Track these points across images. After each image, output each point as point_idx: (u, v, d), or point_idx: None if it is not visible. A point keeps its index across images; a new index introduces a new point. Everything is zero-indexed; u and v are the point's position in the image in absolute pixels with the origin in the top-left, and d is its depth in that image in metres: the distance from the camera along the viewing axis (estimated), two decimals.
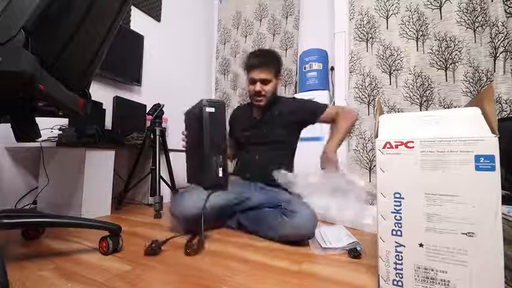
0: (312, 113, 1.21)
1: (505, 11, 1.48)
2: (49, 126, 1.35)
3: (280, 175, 0.99)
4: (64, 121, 1.36)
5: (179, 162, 1.90)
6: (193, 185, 1.05)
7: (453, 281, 0.52)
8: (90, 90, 0.83)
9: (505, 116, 1.42)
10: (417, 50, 1.77)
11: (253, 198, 1.11)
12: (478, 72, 1.57)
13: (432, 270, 0.54)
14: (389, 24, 1.87)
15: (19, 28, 0.47)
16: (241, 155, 1.30)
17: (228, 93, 2.76)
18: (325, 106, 1.21)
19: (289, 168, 1.23)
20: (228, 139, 1.24)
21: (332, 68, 2.16)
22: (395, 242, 0.58)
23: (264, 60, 1.18)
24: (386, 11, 1.88)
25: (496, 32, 1.47)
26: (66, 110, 0.75)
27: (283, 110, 1.22)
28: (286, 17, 2.47)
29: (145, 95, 2.12)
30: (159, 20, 2.32)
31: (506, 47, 1.45)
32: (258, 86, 1.16)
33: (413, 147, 0.57)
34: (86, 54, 0.75)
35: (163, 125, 1.64)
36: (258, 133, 1.23)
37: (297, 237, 0.93)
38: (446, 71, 1.68)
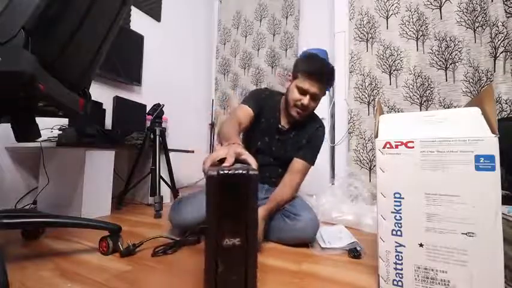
0: (306, 153, 1.07)
1: (505, 11, 1.48)
2: (49, 126, 1.35)
3: None
4: (64, 121, 1.36)
5: (179, 162, 1.91)
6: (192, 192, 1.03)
7: (453, 281, 0.52)
8: (90, 90, 0.83)
9: (505, 116, 1.42)
10: (417, 50, 1.77)
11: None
12: (478, 72, 1.57)
13: (432, 270, 0.54)
14: (390, 24, 1.87)
15: (19, 28, 0.47)
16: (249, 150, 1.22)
17: (228, 93, 2.76)
18: (311, 161, 1.07)
19: None
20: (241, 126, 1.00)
21: None
22: (395, 242, 0.58)
23: (326, 74, 1.01)
24: (387, 11, 1.88)
25: (496, 32, 1.47)
26: (66, 110, 0.75)
27: (308, 133, 1.09)
28: (286, 17, 2.47)
29: (145, 95, 2.12)
30: (159, 20, 2.32)
31: (506, 47, 1.45)
32: (307, 100, 0.99)
33: (413, 147, 0.57)
34: (86, 54, 0.75)
35: (163, 125, 1.64)
36: (278, 144, 1.10)
37: (298, 240, 0.92)
38: (446, 71, 1.68)
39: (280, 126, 1.10)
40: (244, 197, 0.50)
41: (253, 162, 0.58)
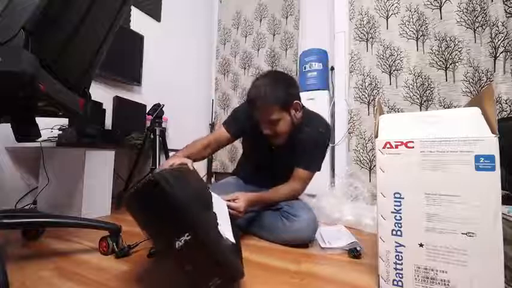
0: (301, 160, 1.03)
1: (505, 11, 1.48)
2: (49, 126, 1.35)
3: None
4: (64, 121, 1.35)
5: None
6: None
7: (453, 281, 0.52)
8: (90, 90, 0.83)
9: (505, 116, 1.42)
10: (417, 50, 1.77)
11: None
12: (478, 72, 1.57)
13: (432, 270, 0.54)
14: (390, 24, 1.87)
15: (19, 28, 0.47)
16: (248, 162, 1.22)
17: (228, 93, 2.76)
18: (307, 168, 1.03)
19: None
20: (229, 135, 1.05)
21: (332, 68, 2.16)
22: (396, 242, 0.58)
23: (264, 98, 0.90)
24: (386, 11, 1.88)
25: (496, 32, 1.47)
26: (66, 110, 0.75)
27: (304, 140, 1.02)
28: (286, 17, 2.47)
29: (145, 95, 2.12)
30: (159, 20, 2.32)
31: (506, 47, 1.45)
32: (267, 129, 0.94)
33: (413, 147, 0.57)
34: (86, 54, 0.75)
35: (163, 125, 1.64)
36: (274, 160, 1.08)
37: (296, 241, 0.92)
38: (446, 71, 1.68)
39: (272, 146, 1.04)
40: (166, 197, 0.49)
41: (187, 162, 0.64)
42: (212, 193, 0.78)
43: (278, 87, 0.92)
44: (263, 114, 0.93)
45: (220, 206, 0.76)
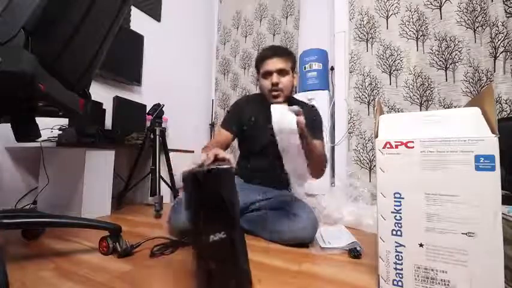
0: (311, 131, 0.99)
1: (505, 11, 1.48)
2: (49, 126, 1.35)
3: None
4: (64, 121, 1.36)
5: (179, 162, 1.91)
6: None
7: (453, 281, 0.52)
8: (90, 90, 0.83)
9: (505, 116, 1.42)
10: (417, 50, 1.77)
11: (257, 202, 1.08)
12: (478, 72, 1.57)
13: (432, 270, 0.54)
14: (390, 24, 1.87)
15: (19, 28, 0.47)
16: (248, 160, 1.20)
17: (228, 93, 2.76)
18: (322, 139, 1.06)
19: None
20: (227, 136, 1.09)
21: (332, 68, 2.16)
22: (396, 242, 0.58)
23: (279, 49, 1.06)
24: (386, 11, 1.88)
25: (496, 32, 1.47)
26: (66, 110, 0.75)
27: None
28: (286, 17, 2.47)
29: (145, 95, 2.12)
30: (159, 20, 2.32)
31: (506, 47, 1.45)
32: (275, 77, 1.02)
33: (413, 147, 0.57)
34: (86, 54, 0.75)
35: (163, 125, 1.64)
36: (272, 139, 1.10)
37: (297, 240, 0.92)
38: (446, 71, 1.68)
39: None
40: (219, 191, 0.51)
41: (230, 159, 0.63)
42: (278, 106, 0.74)
43: (290, 51, 1.09)
44: (277, 60, 1.02)
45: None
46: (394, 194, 0.58)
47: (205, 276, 0.49)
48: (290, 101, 1.10)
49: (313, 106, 1.16)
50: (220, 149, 0.65)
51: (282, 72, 1.03)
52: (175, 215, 0.99)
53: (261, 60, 1.06)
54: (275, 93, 1.04)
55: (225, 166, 0.53)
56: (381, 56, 1.87)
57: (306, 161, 0.78)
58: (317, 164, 0.94)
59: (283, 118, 0.71)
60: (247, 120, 1.12)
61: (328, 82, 2.17)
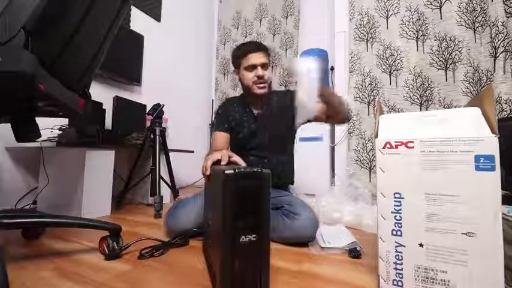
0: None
1: (505, 11, 1.48)
2: (49, 126, 1.35)
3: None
4: (64, 121, 1.36)
5: (179, 162, 1.91)
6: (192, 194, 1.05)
7: (453, 281, 0.52)
8: (90, 90, 0.83)
9: (505, 116, 1.42)
10: (417, 50, 1.77)
11: None
12: (478, 72, 1.57)
13: (432, 270, 0.54)
14: (390, 24, 1.87)
15: (19, 28, 0.47)
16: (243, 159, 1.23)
17: (228, 93, 2.76)
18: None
19: (291, 169, 1.22)
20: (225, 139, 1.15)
21: (332, 68, 2.16)
22: (396, 242, 0.58)
23: (261, 45, 1.14)
24: (387, 11, 1.88)
25: (496, 32, 1.47)
26: (66, 110, 0.75)
27: (282, 102, 1.15)
28: (286, 17, 2.47)
29: (145, 95, 2.12)
30: (159, 20, 2.32)
31: (506, 47, 1.45)
32: (260, 71, 1.08)
33: (413, 147, 0.57)
34: (86, 54, 0.75)
35: (164, 125, 1.64)
36: (260, 133, 1.14)
37: (297, 239, 0.93)
38: (446, 71, 1.68)
39: (255, 114, 1.16)
40: (258, 194, 0.51)
41: (242, 163, 0.64)
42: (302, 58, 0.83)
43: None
44: (261, 56, 1.09)
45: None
46: (394, 194, 0.58)
47: (227, 274, 0.49)
48: (272, 92, 1.19)
49: (288, 90, 1.26)
50: (232, 152, 0.68)
51: (264, 66, 1.11)
52: (173, 219, 1.00)
53: (244, 54, 1.11)
54: (261, 84, 1.11)
55: (265, 170, 0.53)
56: (381, 56, 1.87)
57: (316, 99, 0.84)
58: (341, 105, 1.01)
59: (310, 63, 0.79)
60: (232, 120, 1.18)
61: (328, 82, 2.17)
